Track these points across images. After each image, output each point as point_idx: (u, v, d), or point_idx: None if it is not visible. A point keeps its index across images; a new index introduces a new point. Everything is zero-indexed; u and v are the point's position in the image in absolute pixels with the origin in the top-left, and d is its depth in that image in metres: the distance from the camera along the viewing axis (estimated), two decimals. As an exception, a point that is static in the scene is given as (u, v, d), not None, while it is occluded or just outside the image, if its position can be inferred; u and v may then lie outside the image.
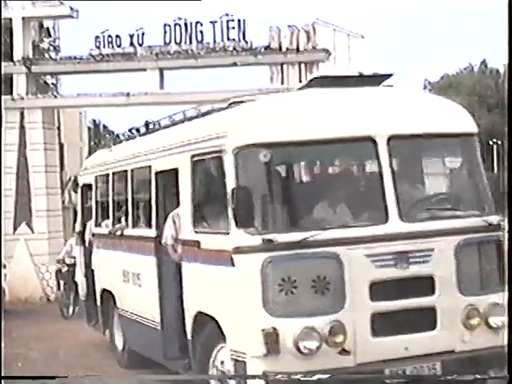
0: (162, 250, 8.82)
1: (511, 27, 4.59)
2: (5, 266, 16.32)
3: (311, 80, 8.13)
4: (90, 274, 12.18)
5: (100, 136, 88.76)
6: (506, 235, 6.12)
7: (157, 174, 8.98)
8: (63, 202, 19.63)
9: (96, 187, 11.78)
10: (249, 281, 6.75)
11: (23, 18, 19.02)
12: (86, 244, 12.33)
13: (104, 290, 11.44)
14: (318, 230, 6.73)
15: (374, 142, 7.00)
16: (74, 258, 15.89)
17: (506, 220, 5.81)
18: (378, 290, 6.76)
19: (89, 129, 69.42)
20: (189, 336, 8.03)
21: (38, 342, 13.27)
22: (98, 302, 11.74)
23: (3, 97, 18.98)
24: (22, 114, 18.88)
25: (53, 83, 25.63)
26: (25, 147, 18.84)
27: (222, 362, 7.41)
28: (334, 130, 7.07)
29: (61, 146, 21.98)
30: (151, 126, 10.46)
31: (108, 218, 11.16)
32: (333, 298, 6.73)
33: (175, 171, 8.24)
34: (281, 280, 6.61)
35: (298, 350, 6.55)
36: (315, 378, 5.90)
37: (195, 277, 7.87)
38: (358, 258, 6.74)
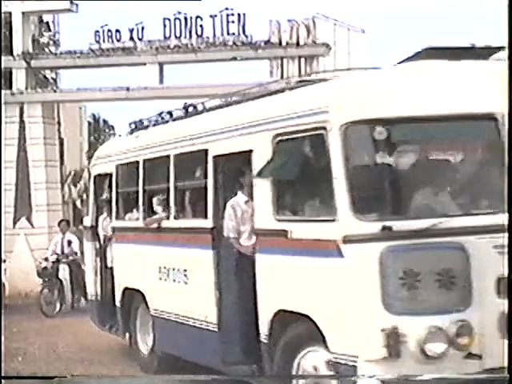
0: (220, 242, 8.01)
1: (511, 27, 4.58)
2: (5, 261, 16.33)
3: (420, 51, 7.22)
4: (105, 273, 11.30)
5: (100, 131, 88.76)
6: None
7: (216, 157, 8.06)
8: (63, 197, 19.63)
9: (117, 177, 10.75)
10: (364, 274, 5.94)
11: (23, 13, 19.00)
12: (101, 240, 11.42)
13: (127, 290, 10.47)
14: (439, 217, 5.96)
15: (495, 120, 6.18)
16: (58, 254, 15.96)
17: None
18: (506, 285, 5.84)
19: (89, 123, 69.49)
20: (263, 338, 7.18)
21: (38, 336, 13.28)
22: (118, 303, 10.77)
23: (3, 91, 18.98)
24: (21, 109, 18.87)
25: (52, 78, 25.63)
26: (25, 142, 18.84)
27: (316, 368, 6.60)
28: (453, 106, 6.22)
29: (61, 140, 21.98)
30: (195, 109, 9.54)
31: (132, 210, 10.33)
32: (459, 294, 5.95)
33: (247, 154, 7.39)
34: (402, 273, 5.80)
35: (423, 353, 5.77)
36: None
37: (278, 271, 6.99)
38: (485, 250, 5.96)
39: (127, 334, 10.83)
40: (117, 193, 10.72)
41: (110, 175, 10.89)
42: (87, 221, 11.90)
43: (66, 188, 21.48)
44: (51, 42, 25.29)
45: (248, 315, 7.42)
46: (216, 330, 8.09)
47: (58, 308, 15.59)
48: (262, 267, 7.22)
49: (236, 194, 7.81)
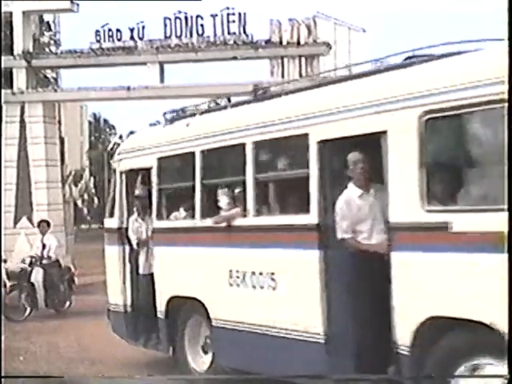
0: (327, 241, 6.97)
1: (511, 25, 4.54)
2: (5, 261, 16.27)
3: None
4: (137, 281, 10.00)
5: (100, 130, 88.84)
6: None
7: (321, 142, 6.94)
8: (64, 196, 19.62)
9: (160, 171, 9.36)
10: None
11: (23, 12, 19.02)
12: (133, 243, 9.95)
13: (174, 299, 9.12)
14: None
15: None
16: (33, 257, 15.28)
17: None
18: None
19: (89, 123, 69.57)
20: (403, 350, 6.14)
21: (40, 335, 13.27)
22: (160, 314, 9.35)
23: (3, 91, 18.99)
24: (22, 108, 18.89)
25: (53, 77, 25.65)
26: (25, 141, 18.86)
27: None
28: None
29: (61, 140, 21.97)
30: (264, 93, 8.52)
31: (179, 208, 9.17)
32: None
33: (375, 136, 6.36)
34: None
35: None
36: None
37: (430, 271, 5.93)
38: None
39: (171, 349, 9.44)
40: (159, 189, 9.38)
41: (148, 170, 9.55)
42: (112, 222, 10.39)
43: (66, 187, 21.44)
44: (52, 42, 25.31)
45: (372, 324, 6.47)
46: (322, 341, 7.03)
47: (27, 313, 14.71)
48: (403, 268, 6.16)
49: (346, 187, 6.75)
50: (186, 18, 18.30)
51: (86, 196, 52.11)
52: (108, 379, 8.12)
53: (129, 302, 10.12)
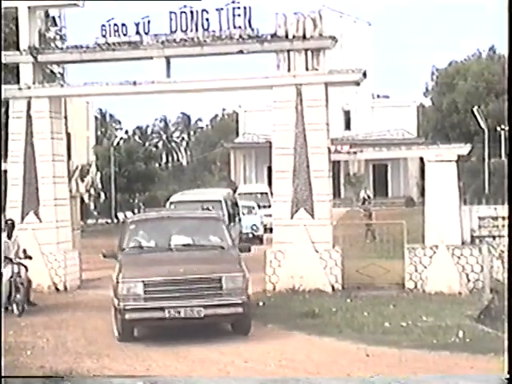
0: None
1: (511, 21, 4.55)
2: (30, 258, 15.43)
3: None
4: None
5: (107, 125, 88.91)
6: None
7: None
8: (70, 191, 19.61)
9: None
10: None
11: (29, 7, 18.98)
12: None
13: None
14: None
15: None
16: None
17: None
18: None
19: (95, 118, 69.59)
20: None
21: (46, 330, 13.30)
22: None
23: (10, 86, 19.02)
24: (28, 104, 18.88)
25: (59, 72, 25.65)
26: (32, 136, 18.84)
27: None
28: None
29: (68, 135, 21.97)
30: None
31: None
32: None
33: None
34: None
35: None
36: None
37: None
38: None
39: None
40: None
41: None
42: None
43: (73, 182, 21.46)
44: (58, 37, 25.35)
45: None
46: None
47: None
48: None
49: None
50: (191, 13, 18.25)
51: (92, 191, 52.15)
52: (108, 379, 8.13)
53: None
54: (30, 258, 15.37)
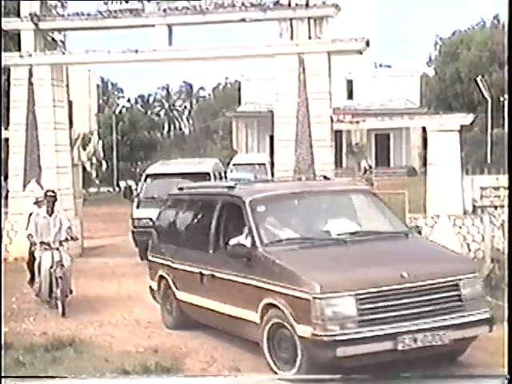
0: None
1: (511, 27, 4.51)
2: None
3: None
4: None
5: (109, 94, 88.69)
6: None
7: None
8: (72, 159, 19.61)
9: None
10: None
11: (30, -26, 18.87)
12: None
13: None
14: None
15: None
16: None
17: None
18: None
19: (97, 86, 69.38)
20: None
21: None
22: None
23: (11, 53, 18.96)
24: (30, 71, 18.81)
25: (61, 40, 25.51)
26: (33, 104, 18.81)
27: None
28: None
29: (69, 103, 21.88)
30: None
31: None
32: None
33: None
34: None
35: None
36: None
37: None
38: None
39: None
40: None
41: None
42: None
43: (75, 151, 21.42)
44: (59, 4, 25.14)
45: None
46: None
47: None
48: None
49: None
50: (193, -20, 18.17)
51: (94, 159, 52.17)
52: (108, 379, 8.19)
53: None
54: (77, 238, 13.19)
